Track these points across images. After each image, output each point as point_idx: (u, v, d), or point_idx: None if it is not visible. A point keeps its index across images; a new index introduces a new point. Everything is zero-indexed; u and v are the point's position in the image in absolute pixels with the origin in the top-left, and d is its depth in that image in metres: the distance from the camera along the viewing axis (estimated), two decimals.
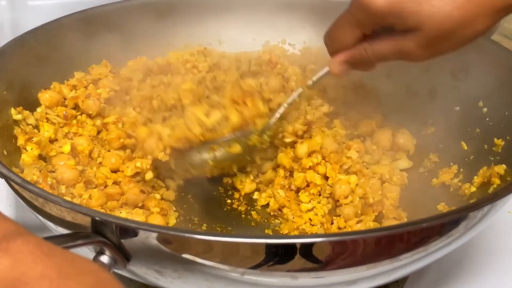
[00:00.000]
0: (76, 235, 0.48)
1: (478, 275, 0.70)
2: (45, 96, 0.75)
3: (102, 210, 0.66)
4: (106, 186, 0.71)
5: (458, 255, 0.71)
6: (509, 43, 0.95)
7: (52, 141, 0.73)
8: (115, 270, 0.51)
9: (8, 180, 0.55)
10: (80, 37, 0.80)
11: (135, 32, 0.85)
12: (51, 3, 0.93)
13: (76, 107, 0.77)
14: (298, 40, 0.96)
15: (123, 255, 0.49)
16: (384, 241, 0.51)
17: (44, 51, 0.77)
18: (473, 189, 0.69)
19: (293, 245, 0.48)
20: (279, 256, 0.49)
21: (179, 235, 0.47)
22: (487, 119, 0.75)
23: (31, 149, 0.69)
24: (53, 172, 0.69)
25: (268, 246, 0.48)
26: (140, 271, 0.51)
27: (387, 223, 0.69)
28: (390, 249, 0.51)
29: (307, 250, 0.49)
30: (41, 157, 0.70)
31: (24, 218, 0.68)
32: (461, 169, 0.74)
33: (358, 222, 0.69)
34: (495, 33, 0.81)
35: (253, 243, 0.48)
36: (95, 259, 0.49)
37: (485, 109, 0.75)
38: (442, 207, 0.70)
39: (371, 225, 0.69)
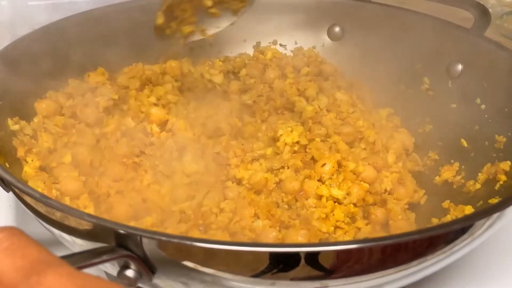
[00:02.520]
0: (101, 250, 0.47)
1: (480, 276, 0.70)
2: (41, 106, 0.73)
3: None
4: (109, 196, 0.69)
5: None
6: (509, 43, 0.96)
7: (51, 151, 0.71)
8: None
9: (20, 194, 0.53)
10: (78, 42, 0.78)
11: (131, 36, 0.83)
12: (51, 3, 0.91)
13: (73, 116, 0.75)
14: (290, 41, 0.96)
15: (149, 268, 0.48)
16: (390, 249, 0.50)
17: (39, 58, 0.75)
18: (478, 186, 0.70)
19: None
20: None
21: (212, 247, 0.45)
22: (486, 115, 0.75)
23: (32, 161, 0.67)
24: (56, 183, 0.67)
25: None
26: (165, 283, 0.50)
27: (395, 225, 0.69)
28: (396, 257, 0.51)
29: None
30: (42, 169, 0.68)
31: (24, 218, 0.67)
32: (463, 166, 0.74)
33: (367, 224, 0.69)
34: (487, 29, 0.83)
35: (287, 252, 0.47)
36: (121, 273, 0.47)
37: (483, 106, 0.76)
38: (448, 205, 0.70)
39: (379, 228, 0.69)
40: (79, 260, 0.44)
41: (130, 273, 0.47)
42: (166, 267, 0.48)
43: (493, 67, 0.77)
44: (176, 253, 0.48)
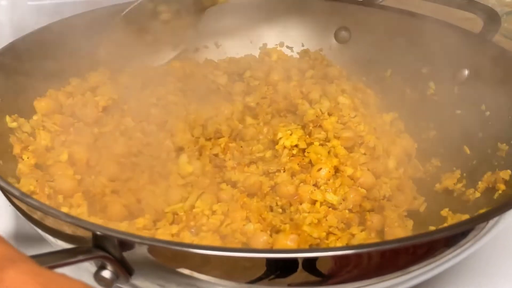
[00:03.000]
0: (77, 250, 0.47)
1: (478, 279, 0.69)
2: (41, 104, 0.74)
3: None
4: (104, 195, 0.70)
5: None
6: (509, 43, 0.94)
7: (48, 149, 0.71)
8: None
9: (5, 192, 0.54)
10: (77, 41, 0.78)
11: (132, 35, 0.83)
12: (51, 3, 0.92)
13: (73, 114, 0.75)
14: (297, 43, 0.95)
15: (126, 270, 0.48)
16: (387, 255, 0.49)
17: (40, 57, 0.75)
18: (478, 194, 0.68)
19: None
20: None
21: (182, 250, 0.45)
22: (490, 123, 0.74)
23: (27, 158, 0.67)
24: (51, 181, 0.67)
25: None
26: (143, 285, 0.50)
27: (390, 232, 0.68)
28: (394, 263, 0.50)
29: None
30: (37, 167, 0.69)
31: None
32: (464, 174, 0.73)
33: (362, 230, 0.68)
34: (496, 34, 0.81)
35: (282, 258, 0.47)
36: (97, 273, 0.47)
37: (487, 113, 0.75)
38: (446, 213, 0.69)
39: (374, 235, 0.68)
40: (53, 259, 0.44)
41: (106, 274, 0.47)
42: (143, 269, 0.48)
43: (499, 74, 0.75)
44: (152, 255, 0.47)
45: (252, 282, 0.48)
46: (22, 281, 0.33)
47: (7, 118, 0.70)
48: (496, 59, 0.76)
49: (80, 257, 0.46)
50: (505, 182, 0.65)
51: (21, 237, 0.71)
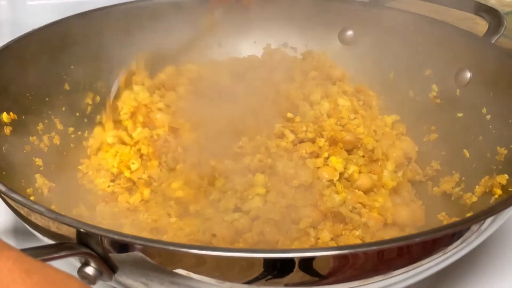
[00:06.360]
0: (61, 246, 0.47)
1: (479, 276, 0.68)
2: None
3: None
4: None
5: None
6: (509, 43, 0.93)
7: None
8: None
9: None
10: (78, 42, 0.79)
11: (131, 35, 0.84)
12: (51, 3, 0.93)
13: None
14: (300, 44, 0.94)
15: (109, 267, 0.48)
16: (385, 254, 0.49)
17: (40, 55, 0.76)
18: (475, 199, 0.68)
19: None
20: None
21: (164, 248, 0.45)
22: (490, 126, 0.73)
23: None
24: None
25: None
26: (127, 282, 0.50)
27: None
28: (389, 262, 0.50)
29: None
30: None
31: None
32: (463, 178, 0.72)
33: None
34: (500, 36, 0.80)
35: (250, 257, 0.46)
36: (80, 270, 0.47)
37: (488, 116, 0.73)
38: (443, 217, 0.69)
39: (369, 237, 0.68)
40: (35, 254, 0.44)
41: (89, 270, 0.48)
42: (127, 266, 0.48)
43: (500, 76, 0.74)
44: (137, 254, 0.47)
45: (249, 282, 0.48)
46: (8, 268, 0.34)
47: (4, 115, 0.70)
48: (498, 62, 0.75)
49: (63, 253, 0.46)
50: (502, 187, 0.64)
51: (20, 232, 0.72)
